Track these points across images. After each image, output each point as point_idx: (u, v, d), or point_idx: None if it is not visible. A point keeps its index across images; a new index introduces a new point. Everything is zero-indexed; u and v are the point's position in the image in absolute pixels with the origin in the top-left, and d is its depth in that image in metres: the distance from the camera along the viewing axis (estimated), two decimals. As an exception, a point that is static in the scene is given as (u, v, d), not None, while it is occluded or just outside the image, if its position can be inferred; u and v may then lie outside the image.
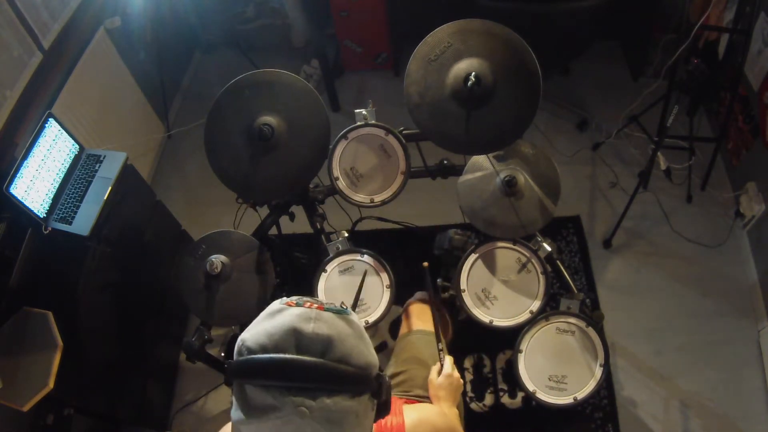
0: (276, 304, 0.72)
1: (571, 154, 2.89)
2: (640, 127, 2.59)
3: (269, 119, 1.53)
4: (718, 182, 2.69)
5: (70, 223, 1.84)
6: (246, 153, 1.56)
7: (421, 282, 1.55)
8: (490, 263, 1.68)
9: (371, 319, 1.63)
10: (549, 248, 1.68)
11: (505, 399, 2.21)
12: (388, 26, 3.11)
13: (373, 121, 1.66)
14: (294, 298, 0.72)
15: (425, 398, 1.41)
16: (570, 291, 1.70)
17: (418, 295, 1.78)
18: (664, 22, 2.83)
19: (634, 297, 2.45)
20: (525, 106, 1.49)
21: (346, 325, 0.70)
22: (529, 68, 1.46)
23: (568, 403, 1.60)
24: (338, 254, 1.67)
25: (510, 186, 1.61)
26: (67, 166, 1.95)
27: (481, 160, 1.70)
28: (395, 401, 1.13)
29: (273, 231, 1.94)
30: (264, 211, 1.86)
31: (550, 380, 1.61)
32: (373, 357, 0.73)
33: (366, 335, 0.74)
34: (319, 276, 1.65)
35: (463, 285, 1.67)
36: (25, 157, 1.75)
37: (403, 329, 1.70)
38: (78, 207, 1.87)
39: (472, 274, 1.68)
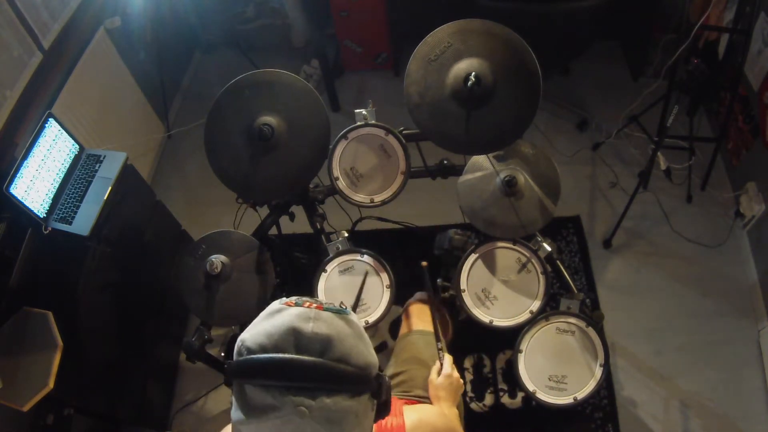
0: (275, 304, 0.72)
1: (571, 154, 2.89)
2: (640, 127, 2.59)
3: (269, 119, 1.52)
4: (718, 182, 2.69)
5: (70, 223, 1.84)
6: (246, 153, 1.56)
7: (421, 282, 1.55)
8: (490, 263, 1.68)
9: (371, 319, 1.62)
10: (549, 248, 1.68)
11: (505, 399, 2.21)
12: (388, 26, 3.11)
13: (373, 121, 1.66)
14: (293, 298, 0.72)
15: (425, 398, 1.41)
16: (570, 291, 1.70)
17: (418, 295, 1.78)
18: (664, 22, 2.83)
19: (634, 297, 2.45)
20: (525, 106, 1.49)
21: (345, 325, 0.70)
22: (529, 68, 1.46)
23: (568, 403, 1.60)
24: (338, 254, 1.67)
25: (510, 186, 1.61)
26: (67, 166, 1.95)
27: (481, 160, 1.70)
28: (395, 402, 1.13)
29: (273, 231, 1.94)
30: (264, 211, 1.86)
31: (550, 380, 1.61)
32: (372, 357, 0.73)
33: (365, 335, 0.74)
34: (319, 276, 1.65)
35: (463, 285, 1.67)
36: (25, 157, 1.75)
37: (403, 329, 1.70)
38: (78, 207, 1.87)
39: (472, 274, 1.67)
